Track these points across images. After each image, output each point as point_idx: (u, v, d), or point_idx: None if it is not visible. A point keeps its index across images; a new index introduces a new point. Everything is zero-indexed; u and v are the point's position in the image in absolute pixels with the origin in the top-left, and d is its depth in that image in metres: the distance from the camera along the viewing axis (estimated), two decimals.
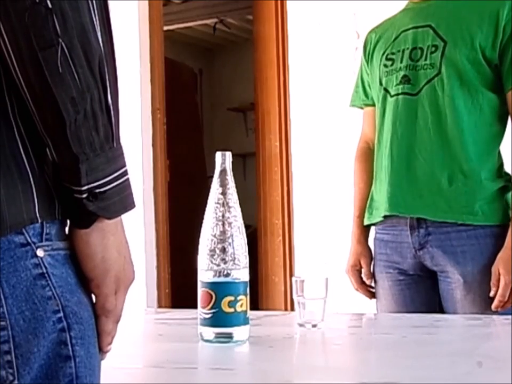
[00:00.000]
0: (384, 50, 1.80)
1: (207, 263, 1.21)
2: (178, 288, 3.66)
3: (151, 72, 3.53)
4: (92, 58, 0.62)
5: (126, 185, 0.69)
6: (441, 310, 1.71)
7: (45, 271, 0.66)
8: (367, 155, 1.89)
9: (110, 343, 0.74)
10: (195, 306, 1.24)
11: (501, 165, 1.72)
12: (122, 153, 0.68)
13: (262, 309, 3.13)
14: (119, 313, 0.75)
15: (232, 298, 1.20)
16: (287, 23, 3.28)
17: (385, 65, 1.78)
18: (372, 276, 1.84)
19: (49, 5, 0.58)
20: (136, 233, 3.52)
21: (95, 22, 0.62)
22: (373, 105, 1.86)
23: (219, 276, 1.20)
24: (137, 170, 3.54)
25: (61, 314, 0.66)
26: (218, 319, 1.20)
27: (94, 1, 0.61)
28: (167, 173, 3.74)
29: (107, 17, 0.64)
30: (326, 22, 3.13)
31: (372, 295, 1.85)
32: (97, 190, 0.66)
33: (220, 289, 1.20)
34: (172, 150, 3.84)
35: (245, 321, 1.22)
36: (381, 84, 1.79)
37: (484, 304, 1.62)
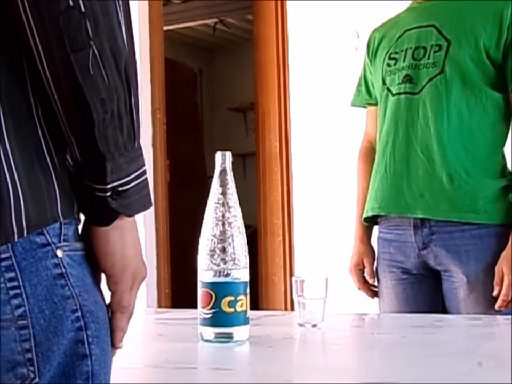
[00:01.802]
0: (387, 49, 1.80)
1: (207, 263, 1.21)
2: (178, 288, 3.66)
3: (151, 72, 3.53)
4: (119, 61, 0.64)
5: (145, 184, 0.71)
6: (444, 310, 1.71)
7: (64, 271, 0.67)
8: (370, 154, 1.89)
9: (122, 340, 0.77)
10: (195, 306, 1.24)
11: (504, 164, 1.72)
12: (142, 153, 0.70)
13: (262, 309, 3.13)
14: (132, 310, 0.77)
15: (232, 298, 1.19)
16: (287, 23, 3.28)
17: (388, 65, 1.78)
18: (375, 275, 1.84)
19: (83, 9, 0.60)
20: None
21: (122, 26, 0.64)
22: (376, 104, 1.86)
23: (219, 276, 1.20)
24: None
25: (79, 313, 0.68)
26: (218, 319, 1.20)
27: (121, 6, 0.64)
28: (167, 173, 3.74)
29: (130, 20, 0.66)
30: (326, 22, 3.13)
31: (374, 294, 1.85)
32: (120, 188, 0.68)
33: (220, 289, 1.20)
34: (171, 150, 3.84)
35: (245, 321, 1.22)
36: (384, 83, 1.79)
37: (488, 304, 1.62)
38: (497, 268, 1.61)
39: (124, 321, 0.76)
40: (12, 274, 0.63)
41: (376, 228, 1.86)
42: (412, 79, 1.71)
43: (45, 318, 0.65)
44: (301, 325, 1.37)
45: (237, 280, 1.20)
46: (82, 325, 0.68)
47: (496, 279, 1.61)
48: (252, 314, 1.26)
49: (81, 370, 0.68)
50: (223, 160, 1.24)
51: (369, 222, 1.85)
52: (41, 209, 0.65)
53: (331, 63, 3.11)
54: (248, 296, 1.23)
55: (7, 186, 0.62)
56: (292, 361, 1.19)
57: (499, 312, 1.59)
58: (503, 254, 1.61)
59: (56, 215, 0.66)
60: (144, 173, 0.70)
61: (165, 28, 4.15)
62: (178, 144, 4.40)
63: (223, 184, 1.23)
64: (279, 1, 3.37)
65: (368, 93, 1.92)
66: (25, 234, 0.63)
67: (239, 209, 1.23)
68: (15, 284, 0.64)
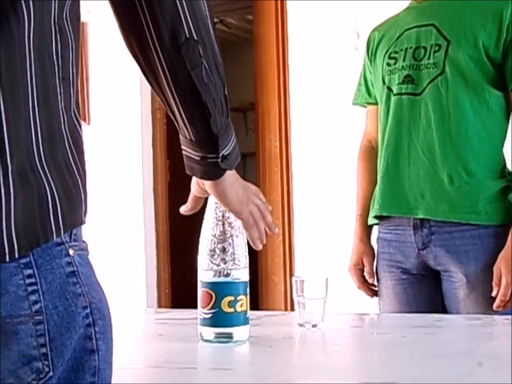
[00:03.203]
0: (387, 49, 1.80)
1: (207, 263, 1.21)
2: (178, 288, 3.66)
3: None
4: (219, 69, 0.87)
5: (235, 143, 0.98)
6: (444, 310, 1.71)
7: (75, 269, 0.71)
8: (370, 154, 1.89)
9: (262, 239, 1.18)
10: (195, 306, 1.24)
11: (504, 164, 1.72)
12: (231, 125, 0.95)
13: (262, 309, 3.13)
14: (258, 216, 1.15)
15: (232, 298, 1.19)
16: (287, 23, 3.28)
17: (388, 64, 1.78)
18: (374, 274, 1.84)
19: (195, 38, 0.81)
20: (136, 233, 3.52)
21: (215, 41, 0.86)
22: (376, 103, 1.86)
23: (219, 276, 1.20)
24: (137, 170, 3.54)
25: (88, 310, 0.71)
26: (218, 319, 1.20)
27: (214, 29, 0.86)
28: (167, 173, 3.74)
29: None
30: (326, 22, 3.13)
31: (374, 293, 1.85)
32: (226, 153, 0.95)
33: (220, 289, 1.20)
34: (171, 150, 3.84)
35: (245, 321, 1.22)
36: (384, 82, 1.79)
37: (487, 304, 1.62)
38: (495, 268, 1.62)
39: (255, 233, 1.16)
40: (30, 271, 0.67)
41: (376, 228, 1.86)
42: (413, 79, 1.71)
43: (58, 314, 0.68)
44: (301, 325, 1.37)
45: (237, 280, 1.20)
46: (91, 321, 0.71)
47: (495, 279, 1.61)
48: (252, 314, 1.26)
49: (89, 365, 0.71)
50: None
51: (373, 223, 1.85)
52: (73, 212, 0.71)
53: (331, 63, 3.11)
54: (248, 296, 1.23)
55: (46, 191, 0.67)
56: (291, 361, 1.19)
57: (499, 312, 1.59)
58: (501, 254, 1.62)
59: (82, 219, 0.73)
60: (234, 136, 0.97)
61: None
62: (178, 144, 4.40)
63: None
64: (279, 1, 3.37)
65: (368, 92, 1.92)
66: (62, 234, 0.69)
67: None
68: (32, 280, 0.67)
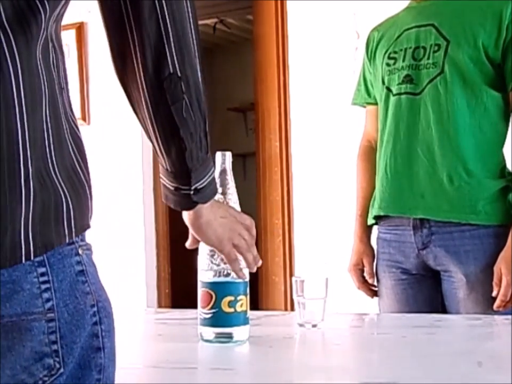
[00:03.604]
0: (386, 48, 1.80)
1: (207, 263, 1.21)
2: (178, 288, 3.66)
3: None
4: (201, 105, 0.89)
5: (212, 179, 1.01)
6: (444, 310, 1.71)
7: (84, 268, 0.73)
8: (370, 154, 1.89)
9: (255, 261, 1.18)
10: (195, 306, 1.24)
11: (504, 164, 1.72)
12: (211, 158, 0.98)
13: (262, 309, 3.13)
14: (245, 247, 1.16)
15: (232, 298, 1.19)
16: (287, 23, 3.28)
17: (388, 64, 1.78)
18: (374, 274, 1.84)
19: (179, 74, 0.83)
20: (136, 233, 3.52)
21: (200, 77, 0.88)
22: (375, 103, 1.86)
23: (219, 276, 1.20)
24: (137, 170, 3.54)
25: (96, 308, 0.73)
26: (218, 319, 1.20)
27: (199, 61, 0.87)
28: None
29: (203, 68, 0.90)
30: (326, 22, 3.13)
31: (374, 294, 1.85)
32: (199, 187, 0.97)
33: (220, 289, 1.20)
34: None
35: (245, 321, 1.22)
36: (383, 82, 1.79)
37: (487, 304, 1.62)
38: (495, 268, 1.62)
39: (236, 267, 1.15)
40: (43, 270, 0.68)
41: (375, 228, 1.86)
42: (413, 79, 1.71)
43: (68, 311, 0.70)
44: (301, 325, 1.37)
45: (237, 280, 1.20)
46: (97, 319, 0.73)
47: (495, 279, 1.61)
48: (252, 314, 1.26)
49: (95, 363, 0.73)
50: (223, 160, 1.24)
51: (372, 223, 1.85)
52: (82, 216, 0.73)
53: (331, 63, 3.11)
54: (248, 296, 1.23)
55: (60, 196, 0.70)
56: (292, 361, 1.19)
57: (499, 312, 1.59)
58: (501, 254, 1.62)
59: (88, 221, 0.75)
60: (212, 172, 0.99)
61: None
62: None
63: (223, 184, 1.23)
64: (279, 1, 3.37)
65: (367, 92, 1.92)
66: (73, 238, 0.71)
67: (239, 209, 1.23)
68: (45, 278, 0.69)
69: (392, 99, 1.75)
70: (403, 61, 1.74)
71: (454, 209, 1.66)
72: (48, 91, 0.70)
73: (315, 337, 1.34)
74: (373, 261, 1.84)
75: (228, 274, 1.20)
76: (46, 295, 0.68)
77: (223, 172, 1.24)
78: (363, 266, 1.85)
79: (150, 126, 0.89)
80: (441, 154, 1.67)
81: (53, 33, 0.73)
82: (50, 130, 0.70)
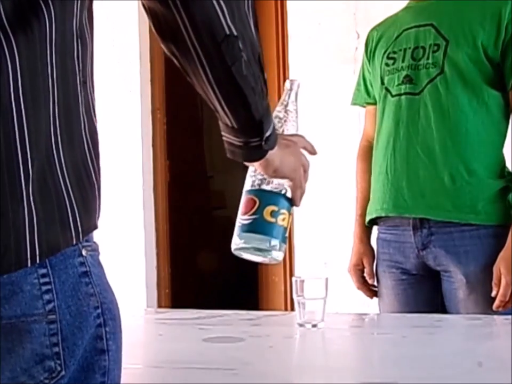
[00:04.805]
0: (385, 49, 1.80)
1: (255, 175, 1.13)
2: (178, 288, 3.65)
3: (151, 72, 3.52)
4: (258, 60, 0.88)
5: (274, 125, 0.99)
6: (444, 310, 1.71)
7: (88, 269, 0.72)
8: (369, 154, 1.88)
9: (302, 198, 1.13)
10: (195, 306, 1.24)
11: (504, 164, 1.72)
12: (270, 108, 0.97)
13: (262, 309, 3.13)
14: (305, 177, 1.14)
15: (275, 208, 1.10)
16: (287, 23, 3.28)
17: (387, 64, 1.78)
18: (374, 275, 1.84)
19: (235, 33, 0.82)
20: (136, 233, 3.52)
21: (253, 32, 0.87)
22: (375, 103, 1.86)
23: (267, 184, 1.12)
24: (137, 170, 3.54)
25: (100, 310, 0.72)
26: (257, 225, 1.10)
27: (251, 17, 0.86)
28: (167, 173, 3.73)
29: (257, 22, 0.89)
30: (326, 22, 3.13)
31: (373, 294, 1.85)
32: (268, 135, 0.96)
33: (264, 197, 1.11)
34: (171, 150, 3.83)
35: (283, 239, 1.12)
36: (382, 83, 1.79)
37: (487, 304, 1.62)
38: (495, 268, 1.61)
39: (299, 194, 1.12)
40: (44, 271, 0.67)
41: (375, 228, 1.86)
42: (412, 79, 1.71)
43: (71, 313, 0.69)
44: (301, 325, 1.37)
45: (283, 193, 1.12)
46: (102, 321, 0.72)
47: (495, 280, 1.61)
48: (252, 314, 1.26)
49: (99, 365, 0.72)
50: (291, 87, 1.22)
51: (371, 224, 1.85)
52: (89, 217, 0.73)
53: (331, 63, 3.11)
54: (291, 217, 1.14)
55: (64, 198, 0.69)
56: (291, 361, 1.19)
57: (499, 312, 1.59)
58: (501, 254, 1.62)
59: (96, 222, 0.75)
60: (272, 118, 0.99)
61: None
62: (178, 144, 4.40)
63: (284, 104, 1.21)
64: (279, 1, 3.37)
65: (367, 92, 1.91)
66: (80, 239, 0.70)
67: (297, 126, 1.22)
68: (46, 279, 0.68)
69: (391, 100, 1.75)
70: (402, 61, 1.74)
71: (455, 208, 1.66)
72: (58, 88, 0.68)
73: (315, 337, 1.34)
74: (373, 261, 1.84)
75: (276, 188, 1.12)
76: (47, 297, 0.67)
77: (289, 95, 1.22)
78: (363, 266, 1.85)
79: (210, 90, 0.87)
80: (443, 153, 1.67)
81: (77, 26, 0.71)
82: (59, 128, 0.69)
